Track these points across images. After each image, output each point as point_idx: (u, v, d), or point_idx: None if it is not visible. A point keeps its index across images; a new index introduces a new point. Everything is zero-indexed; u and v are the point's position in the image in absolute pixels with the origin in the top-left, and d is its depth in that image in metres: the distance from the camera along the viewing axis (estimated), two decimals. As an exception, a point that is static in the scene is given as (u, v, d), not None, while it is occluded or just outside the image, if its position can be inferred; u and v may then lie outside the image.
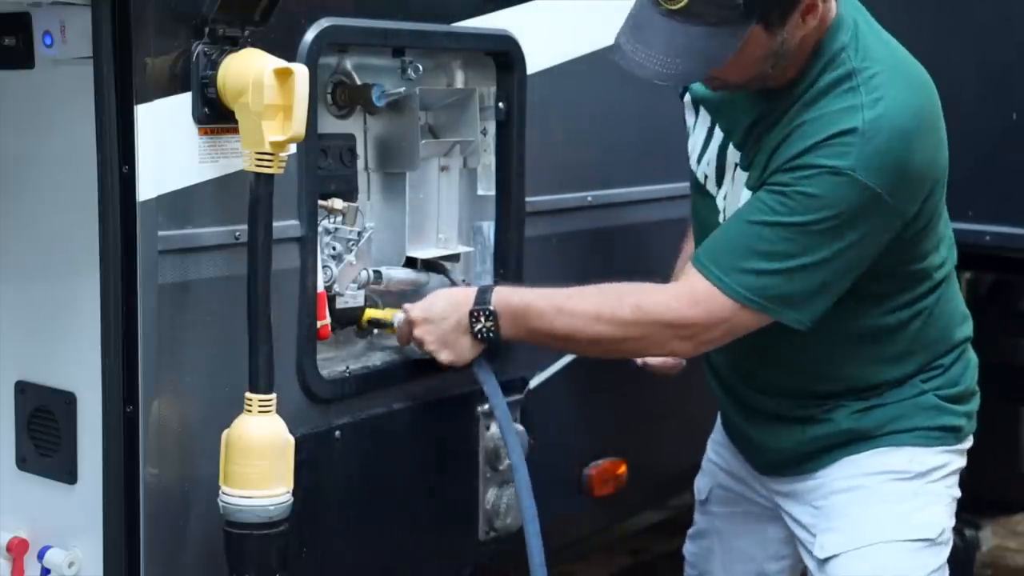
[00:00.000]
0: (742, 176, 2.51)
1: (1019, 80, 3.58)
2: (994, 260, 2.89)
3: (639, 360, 2.90)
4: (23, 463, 2.55)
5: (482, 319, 2.54)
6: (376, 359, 2.75)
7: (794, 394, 2.65)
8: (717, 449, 2.95)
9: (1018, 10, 3.62)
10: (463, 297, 2.58)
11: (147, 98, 2.25)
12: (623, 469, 3.32)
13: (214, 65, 2.29)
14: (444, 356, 2.58)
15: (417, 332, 2.60)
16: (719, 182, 2.60)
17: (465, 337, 2.56)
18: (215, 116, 2.31)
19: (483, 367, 2.62)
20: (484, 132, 2.94)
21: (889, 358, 2.58)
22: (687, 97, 2.72)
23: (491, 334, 2.54)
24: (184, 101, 2.30)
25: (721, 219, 2.57)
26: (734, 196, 2.53)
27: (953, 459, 2.63)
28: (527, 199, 2.98)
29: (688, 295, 2.44)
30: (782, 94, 2.43)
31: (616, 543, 4.55)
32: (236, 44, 2.32)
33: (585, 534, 3.54)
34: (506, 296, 2.55)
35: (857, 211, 2.32)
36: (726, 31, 2.26)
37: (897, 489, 2.58)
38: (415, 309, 2.61)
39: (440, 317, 2.58)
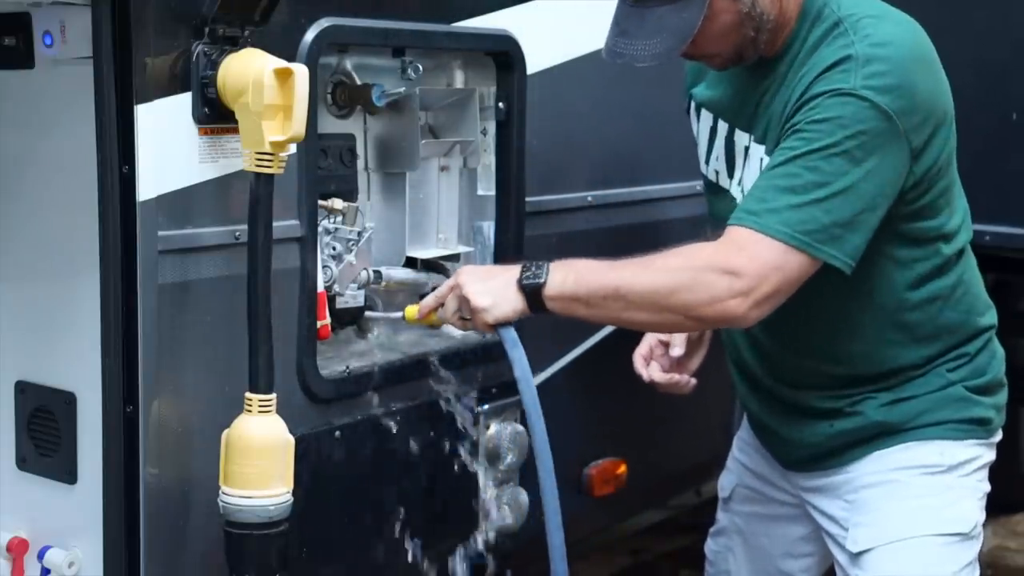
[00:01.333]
0: (758, 150, 2.54)
1: (1018, 80, 3.59)
2: (994, 260, 2.89)
3: (646, 376, 2.81)
4: (23, 463, 2.55)
5: (532, 268, 2.46)
6: (376, 359, 2.75)
7: (820, 385, 2.64)
8: (743, 447, 2.95)
9: (1017, 10, 3.63)
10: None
11: (147, 98, 2.25)
12: (623, 469, 3.32)
13: (214, 65, 2.29)
14: (482, 300, 2.45)
15: (462, 279, 2.50)
16: (731, 172, 2.63)
17: (510, 289, 2.45)
18: (215, 116, 2.32)
19: (513, 335, 2.49)
20: (484, 132, 2.95)
21: (910, 340, 2.58)
22: (692, 106, 2.77)
23: (536, 279, 2.43)
24: (184, 101, 2.30)
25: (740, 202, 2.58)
26: (750, 173, 2.55)
27: (983, 452, 2.64)
28: (527, 199, 2.98)
29: (731, 243, 2.39)
30: (777, 62, 2.51)
31: (616, 543, 4.55)
32: (236, 44, 2.32)
33: (585, 534, 3.54)
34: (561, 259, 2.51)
35: (870, 132, 2.35)
36: (689, 4, 2.37)
37: (929, 483, 2.58)
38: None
39: (494, 270, 2.55)
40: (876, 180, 2.37)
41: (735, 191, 2.62)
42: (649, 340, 2.83)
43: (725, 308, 2.37)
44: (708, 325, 2.61)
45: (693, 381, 2.84)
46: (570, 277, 2.43)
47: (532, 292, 2.44)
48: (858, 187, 2.36)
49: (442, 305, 2.55)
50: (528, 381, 2.46)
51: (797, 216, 2.35)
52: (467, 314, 2.50)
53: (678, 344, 2.81)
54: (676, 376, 2.82)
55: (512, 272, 2.47)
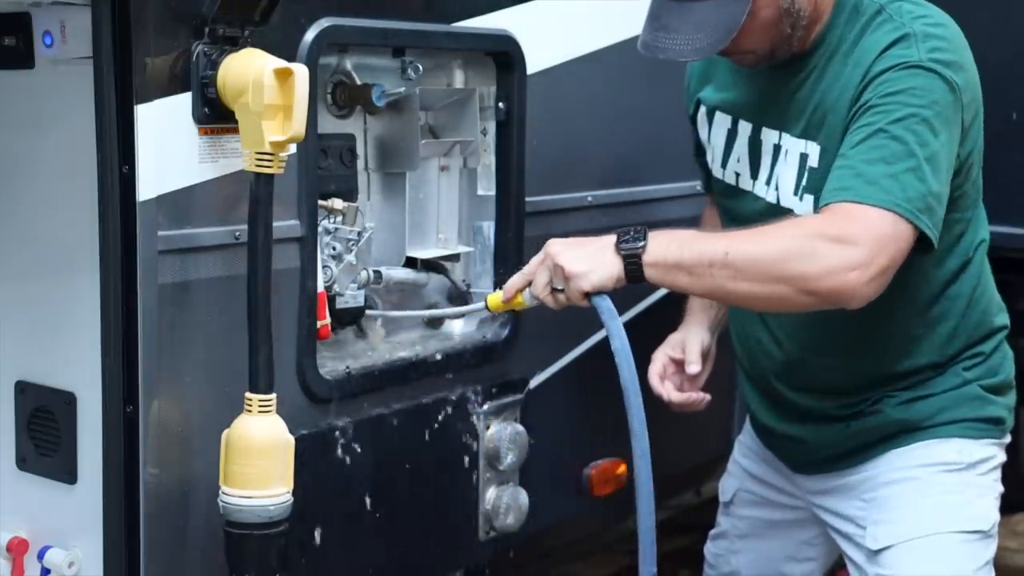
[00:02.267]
0: (796, 145, 2.51)
1: (1018, 80, 3.58)
2: (994, 260, 2.89)
3: (665, 396, 2.74)
4: (23, 463, 2.55)
5: (630, 233, 2.34)
6: (376, 359, 2.75)
7: (838, 390, 2.63)
8: (746, 452, 2.93)
9: (1018, 11, 3.62)
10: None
11: (147, 98, 2.25)
12: (623, 469, 3.31)
13: (214, 65, 2.29)
14: (578, 265, 2.34)
15: (552, 249, 2.39)
16: (754, 172, 2.60)
17: (607, 254, 2.33)
18: (215, 116, 2.32)
19: (609, 305, 2.35)
20: (484, 132, 2.95)
21: (935, 337, 2.57)
22: (701, 111, 2.73)
23: (636, 244, 2.31)
24: (184, 101, 2.30)
25: (771, 200, 2.56)
26: (787, 170, 2.53)
27: (997, 452, 2.64)
28: (527, 199, 2.98)
29: (840, 214, 2.27)
30: (807, 57, 2.50)
31: (616, 543, 4.54)
32: (236, 44, 2.32)
33: (585, 534, 3.54)
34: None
35: (941, 103, 2.34)
36: None
37: (948, 480, 2.58)
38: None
39: (584, 239, 2.42)
40: (948, 152, 2.36)
41: (761, 190, 2.59)
42: (661, 358, 2.78)
43: (844, 281, 2.22)
44: (818, 301, 2.28)
45: (707, 398, 2.79)
46: (673, 243, 2.31)
47: (631, 257, 2.32)
48: (939, 156, 2.32)
49: (529, 284, 2.44)
50: (627, 354, 2.33)
51: (897, 185, 2.27)
52: (560, 283, 2.38)
53: (694, 361, 2.76)
54: (692, 395, 2.77)
55: (607, 238, 2.37)
